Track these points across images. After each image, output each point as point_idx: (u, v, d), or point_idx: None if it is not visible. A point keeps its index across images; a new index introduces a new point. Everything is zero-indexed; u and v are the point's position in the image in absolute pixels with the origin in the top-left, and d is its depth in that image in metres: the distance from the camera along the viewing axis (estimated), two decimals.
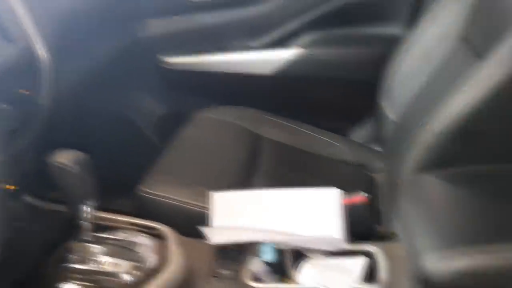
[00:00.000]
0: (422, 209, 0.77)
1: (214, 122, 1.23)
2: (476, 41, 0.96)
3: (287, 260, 0.88)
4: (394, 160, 0.99)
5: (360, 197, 0.94)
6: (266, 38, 1.33)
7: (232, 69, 1.34)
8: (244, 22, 1.34)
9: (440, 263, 0.67)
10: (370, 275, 0.86)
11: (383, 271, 0.84)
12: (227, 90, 1.38)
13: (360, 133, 1.36)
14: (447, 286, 0.66)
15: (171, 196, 1.00)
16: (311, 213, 0.91)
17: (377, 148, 1.24)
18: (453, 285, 0.66)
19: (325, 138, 1.24)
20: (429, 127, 0.86)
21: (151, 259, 0.85)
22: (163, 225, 0.92)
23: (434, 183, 0.81)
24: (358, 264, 0.85)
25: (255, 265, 0.88)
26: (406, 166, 0.90)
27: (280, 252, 0.89)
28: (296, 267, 0.87)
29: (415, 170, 0.87)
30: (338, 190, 0.93)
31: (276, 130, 1.23)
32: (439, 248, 0.69)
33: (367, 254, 0.88)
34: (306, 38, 1.31)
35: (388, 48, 1.19)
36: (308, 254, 0.89)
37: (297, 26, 1.31)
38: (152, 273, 0.83)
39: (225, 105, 1.30)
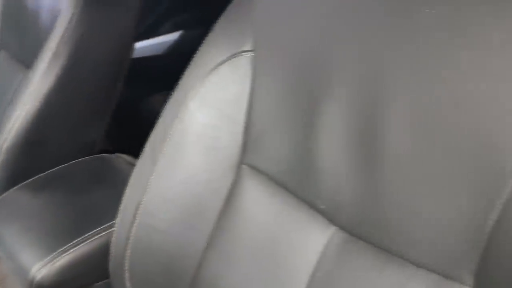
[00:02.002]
0: (17, 225, 0.80)
1: None
2: (16, 49, 1.01)
3: None
4: None
5: None
6: None
7: None
8: None
9: (46, 269, 0.73)
10: None
11: None
12: None
13: None
14: (56, 286, 0.74)
15: None
16: None
17: None
18: (59, 283, 0.74)
19: None
20: None
21: None
22: None
23: (21, 197, 0.84)
24: None
25: None
26: None
27: None
28: None
29: None
30: None
31: None
32: (43, 255, 0.75)
33: None
34: None
35: None
36: None
37: None
38: None
39: None
